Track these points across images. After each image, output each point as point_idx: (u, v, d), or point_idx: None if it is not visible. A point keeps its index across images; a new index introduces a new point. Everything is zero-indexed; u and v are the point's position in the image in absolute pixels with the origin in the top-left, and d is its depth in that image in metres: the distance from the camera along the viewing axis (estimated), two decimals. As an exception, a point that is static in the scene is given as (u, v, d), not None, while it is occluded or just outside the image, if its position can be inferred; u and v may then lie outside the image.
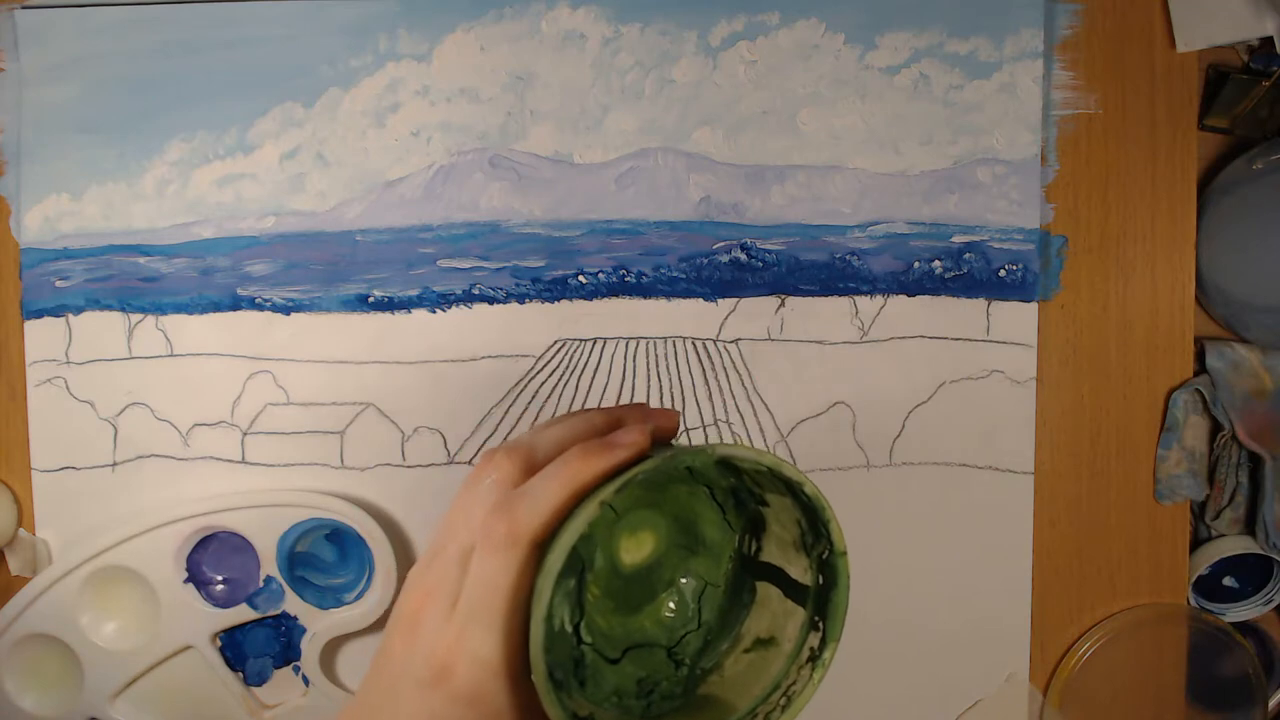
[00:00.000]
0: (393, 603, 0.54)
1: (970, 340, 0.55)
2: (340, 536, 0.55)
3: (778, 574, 0.34)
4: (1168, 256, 0.55)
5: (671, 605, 0.35)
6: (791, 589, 0.34)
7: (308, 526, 0.54)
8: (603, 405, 0.55)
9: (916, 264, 0.55)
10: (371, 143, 0.55)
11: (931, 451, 0.55)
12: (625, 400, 0.55)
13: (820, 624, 0.32)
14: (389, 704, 0.30)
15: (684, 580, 0.35)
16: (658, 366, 0.55)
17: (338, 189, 0.55)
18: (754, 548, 0.35)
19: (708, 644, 0.35)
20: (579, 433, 0.32)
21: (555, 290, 0.55)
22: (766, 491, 0.33)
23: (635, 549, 0.34)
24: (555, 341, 0.55)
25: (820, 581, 0.32)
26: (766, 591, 0.34)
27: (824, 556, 0.32)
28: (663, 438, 0.33)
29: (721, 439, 0.55)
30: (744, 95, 0.55)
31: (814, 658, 0.32)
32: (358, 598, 0.55)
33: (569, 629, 0.32)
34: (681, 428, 0.32)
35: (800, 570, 0.33)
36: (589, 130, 0.55)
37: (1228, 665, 0.56)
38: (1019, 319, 0.54)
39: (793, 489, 0.31)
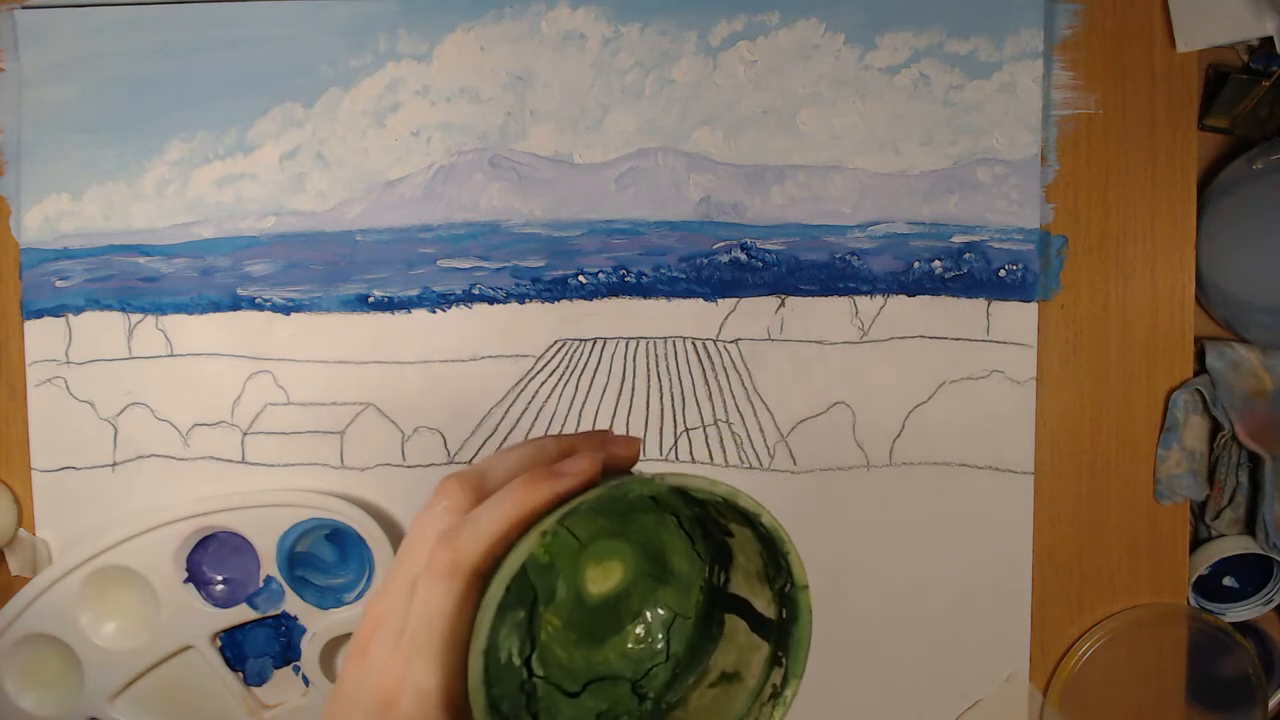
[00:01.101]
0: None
1: (970, 340, 0.55)
2: (340, 536, 0.55)
3: (745, 606, 0.33)
4: (1168, 256, 0.55)
5: (639, 635, 0.34)
6: (757, 622, 0.33)
7: (308, 526, 0.54)
8: (589, 417, 0.55)
9: (916, 264, 0.55)
10: (371, 143, 0.55)
11: (931, 451, 0.55)
12: (624, 401, 0.55)
13: (783, 659, 0.31)
14: None
15: (652, 612, 0.34)
16: (658, 366, 0.55)
17: (338, 189, 0.55)
18: (723, 579, 0.34)
19: (675, 677, 0.34)
20: (531, 460, 0.31)
21: (555, 290, 0.55)
22: (730, 521, 0.32)
23: (602, 579, 0.34)
24: (555, 341, 0.55)
25: (783, 615, 0.31)
26: (734, 624, 0.33)
27: (785, 590, 0.31)
28: (619, 466, 0.32)
29: (721, 439, 0.55)
30: (744, 95, 0.55)
31: (776, 695, 0.31)
32: (358, 598, 0.55)
33: (517, 661, 0.32)
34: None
35: (765, 603, 0.32)
36: (589, 130, 0.55)
37: (1228, 665, 0.56)
38: (1019, 319, 0.54)
39: (750, 520, 0.30)
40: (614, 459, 0.31)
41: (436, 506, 0.31)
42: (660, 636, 0.34)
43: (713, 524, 0.33)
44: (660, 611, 0.34)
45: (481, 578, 0.28)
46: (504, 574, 0.27)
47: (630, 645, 0.34)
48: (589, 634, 0.34)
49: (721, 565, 0.34)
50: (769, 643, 0.32)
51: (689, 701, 0.33)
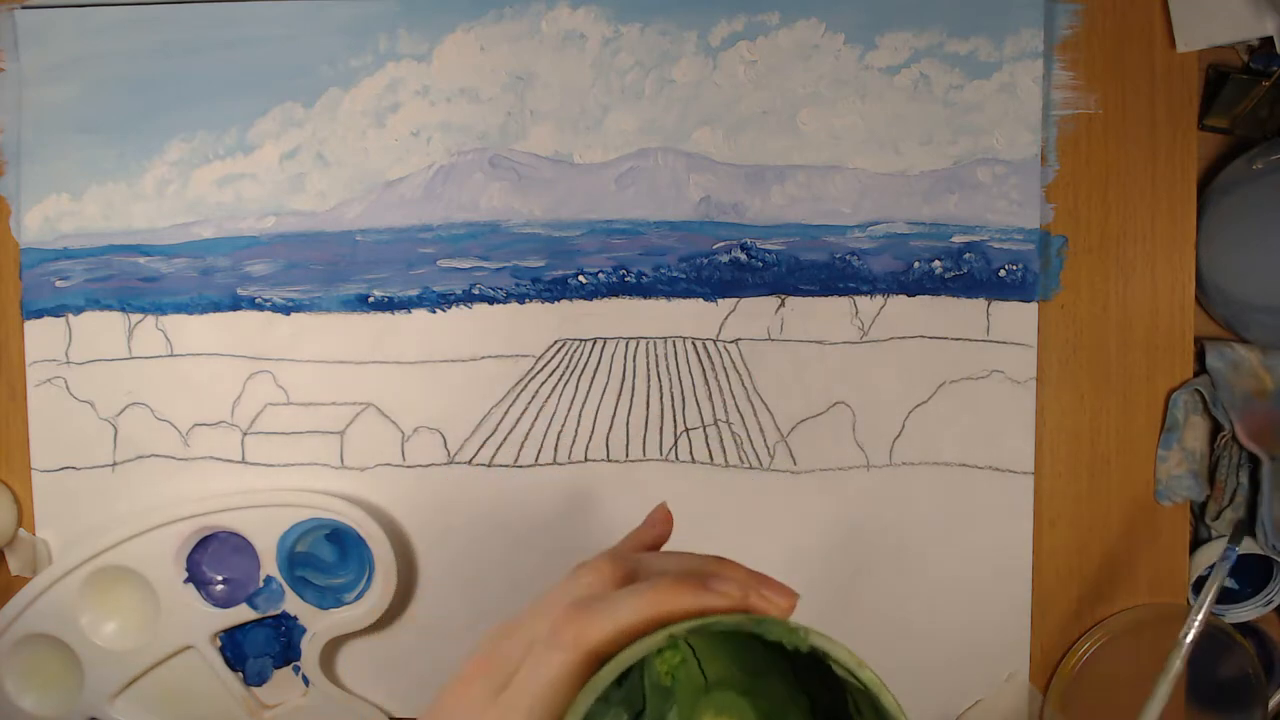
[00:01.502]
0: (393, 603, 0.54)
1: (970, 340, 0.55)
2: (340, 536, 0.55)
3: None
4: (1168, 256, 0.55)
5: None
6: None
7: (308, 526, 0.54)
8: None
9: (916, 264, 0.55)
10: (371, 143, 0.55)
11: (931, 451, 0.55)
12: (624, 401, 0.55)
13: None
14: None
15: None
16: (658, 366, 0.55)
17: (338, 189, 0.55)
18: None
19: None
20: (690, 568, 0.31)
21: (555, 290, 0.55)
22: (863, 717, 0.30)
23: (714, 713, 0.32)
24: (555, 341, 0.55)
25: None
26: None
27: None
28: (765, 608, 0.31)
29: (721, 439, 0.55)
30: (744, 95, 0.55)
31: None
32: (358, 598, 0.55)
33: None
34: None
35: None
36: (589, 130, 0.55)
37: (1228, 665, 0.56)
38: (1019, 319, 0.54)
39: (870, 697, 0.27)
40: (764, 600, 0.30)
41: (583, 579, 0.31)
42: None
43: (845, 715, 0.31)
44: None
45: (598, 660, 0.28)
46: (620, 661, 0.27)
47: None
48: None
49: None
50: None
51: None
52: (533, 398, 0.55)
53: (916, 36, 0.54)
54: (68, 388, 0.56)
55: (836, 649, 0.27)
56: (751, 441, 0.55)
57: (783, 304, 0.55)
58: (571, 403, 0.55)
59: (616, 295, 0.55)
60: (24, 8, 0.55)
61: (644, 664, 0.29)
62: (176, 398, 0.56)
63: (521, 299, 0.55)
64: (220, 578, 0.56)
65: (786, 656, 0.31)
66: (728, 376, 0.55)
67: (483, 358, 0.55)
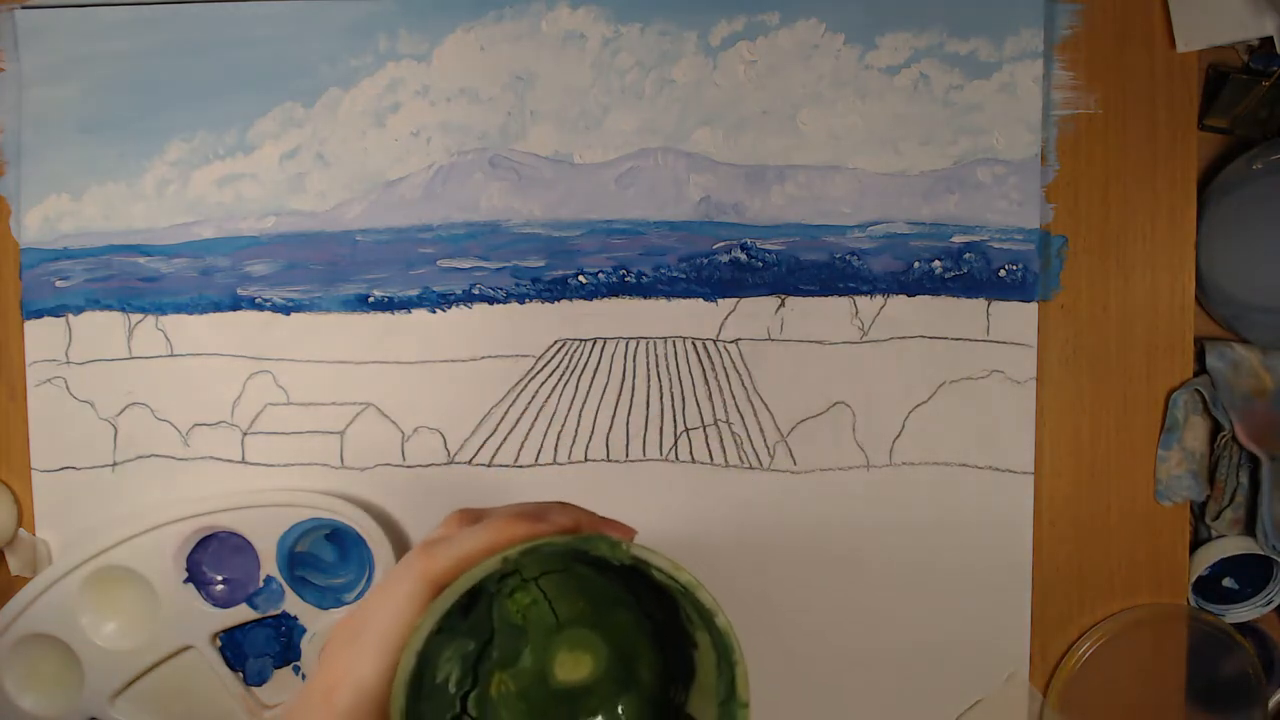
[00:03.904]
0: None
1: (970, 340, 0.55)
2: (340, 536, 0.55)
3: None
4: (1168, 256, 0.55)
5: None
6: None
7: (308, 526, 0.54)
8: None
9: (916, 264, 0.55)
10: (371, 143, 0.55)
11: (931, 451, 0.55)
12: (624, 401, 0.55)
13: None
14: (300, 713, 0.31)
15: (611, 713, 0.34)
16: (658, 366, 0.55)
17: (338, 189, 0.55)
18: (682, 698, 0.34)
19: None
20: (524, 508, 0.33)
21: (555, 290, 0.55)
22: (696, 629, 0.32)
23: (571, 667, 0.34)
24: (555, 341, 0.55)
25: None
26: None
27: (725, 704, 0.30)
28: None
29: (721, 439, 0.55)
30: (744, 95, 0.55)
31: None
32: (358, 598, 0.55)
33: (453, 690, 0.32)
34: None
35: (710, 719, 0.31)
36: (589, 130, 0.55)
37: (1228, 665, 0.56)
38: (1019, 319, 0.54)
39: (706, 619, 0.29)
40: (603, 531, 0.33)
41: (435, 531, 0.33)
42: None
43: (683, 634, 0.33)
44: (617, 717, 0.34)
45: (440, 590, 0.30)
46: (457, 585, 0.28)
47: None
48: (541, 713, 0.34)
49: (683, 684, 0.34)
50: None
51: None
52: (533, 398, 0.55)
53: (916, 36, 0.54)
54: (68, 388, 0.56)
55: (654, 557, 0.28)
56: (751, 441, 0.55)
57: (783, 304, 0.55)
58: (571, 403, 0.55)
59: (616, 295, 0.55)
60: (24, 8, 0.55)
61: (493, 601, 0.31)
62: (176, 398, 0.56)
63: (521, 299, 0.55)
64: (220, 578, 0.56)
65: (632, 590, 0.34)
66: (728, 376, 0.55)
67: (483, 358, 0.55)
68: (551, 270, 0.55)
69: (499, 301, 0.55)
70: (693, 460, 0.55)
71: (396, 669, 0.28)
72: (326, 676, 0.30)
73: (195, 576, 0.55)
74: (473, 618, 0.29)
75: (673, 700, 0.34)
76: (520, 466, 0.55)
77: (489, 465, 0.56)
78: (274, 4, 0.55)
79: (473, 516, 0.33)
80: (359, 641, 0.30)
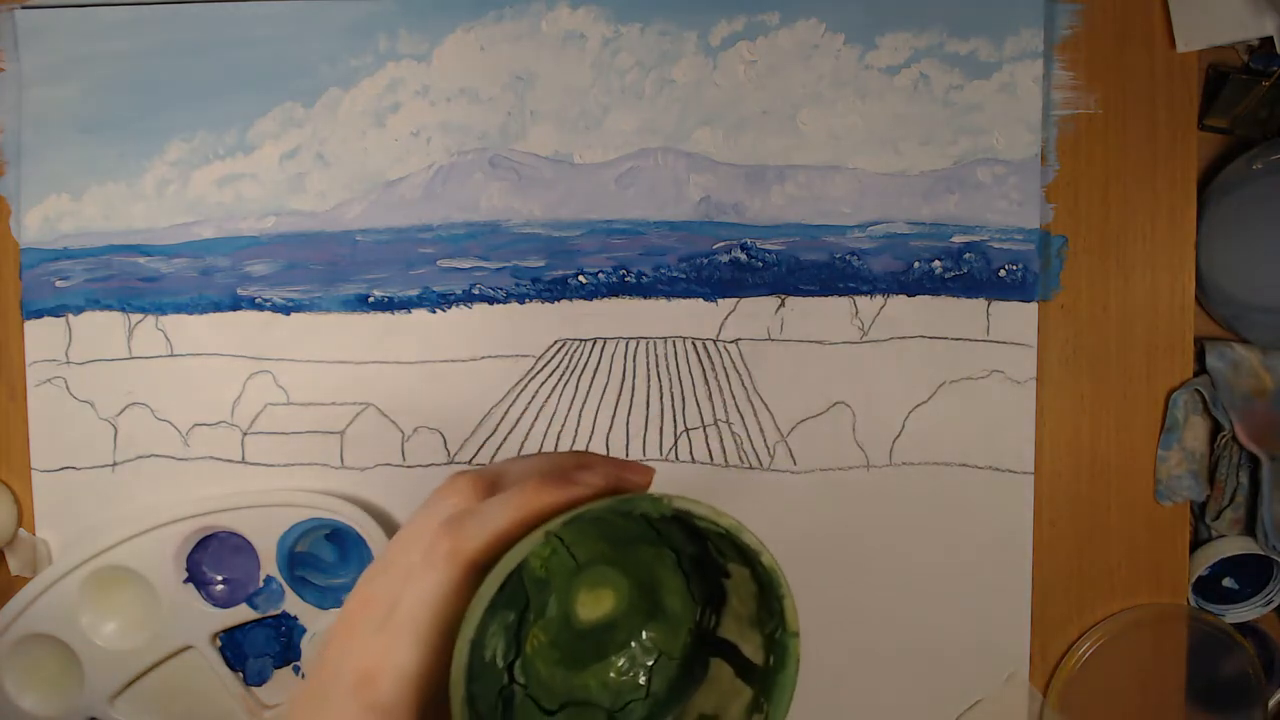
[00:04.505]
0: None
1: (970, 340, 0.55)
2: (340, 536, 0.55)
3: (732, 651, 0.33)
4: (1168, 256, 0.55)
5: (621, 667, 0.34)
6: (743, 668, 0.32)
7: (308, 526, 0.54)
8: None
9: (916, 264, 0.55)
10: (371, 143, 0.55)
11: (931, 451, 0.55)
12: (624, 401, 0.55)
13: (765, 706, 0.30)
14: (316, 710, 0.30)
15: (638, 646, 0.34)
16: (658, 366, 0.55)
17: (338, 189, 0.55)
18: (713, 622, 0.34)
19: (651, 715, 0.33)
20: (545, 468, 0.32)
21: (555, 290, 0.55)
22: (729, 560, 0.32)
23: (593, 605, 0.33)
24: (555, 341, 0.55)
25: (770, 662, 0.31)
26: (719, 669, 0.33)
27: (775, 635, 0.30)
28: (630, 490, 0.32)
29: (721, 439, 0.55)
30: (744, 95, 0.55)
31: None
32: (358, 598, 0.55)
33: (500, 664, 0.32)
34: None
35: (753, 648, 0.32)
36: (589, 130, 0.55)
37: (1228, 665, 0.56)
38: (1019, 319, 0.54)
39: (749, 559, 0.30)
40: (626, 482, 0.31)
41: (444, 499, 0.31)
42: (643, 673, 0.34)
43: (711, 564, 0.33)
44: (646, 647, 0.34)
45: (479, 571, 0.28)
46: (502, 568, 0.27)
47: (611, 675, 0.34)
48: (572, 656, 0.33)
49: (714, 608, 0.34)
50: (752, 688, 0.31)
51: None
52: (533, 398, 0.55)
53: (916, 36, 0.54)
54: (68, 388, 0.56)
55: (696, 507, 0.28)
56: (751, 441, 0.55)
57: (783, 304, 0.55)
58: (571, 403, 0.55)
59: (616, 295, 0.55)
60: (24, 8, 0.55)
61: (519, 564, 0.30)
62: (176, 398, 0.56)
63: (521, 299, 0.55)
64: (220, 578, 0.56)
65: (649, 521, 0.33)
66: (728, 376, 0.55)
67: (483, 358, 0.55)
68: (551, 270, 0.55)
69: (499, 301, 0.55)
70: (693, 460, 0.55)
71: (451, 658, 0.27)
72: (356, 667, 0.29)
73: (195, 576, 0.55)
74: (507, 589, 0.28)
75: (703, 625, 0.34)
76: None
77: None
78: (274, 4, 0.55)
79: (487, 481, 0.31)
80: (390, 629, 0.29)
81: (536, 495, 0.29)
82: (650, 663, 0.34)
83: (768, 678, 0.31)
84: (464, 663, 0.27)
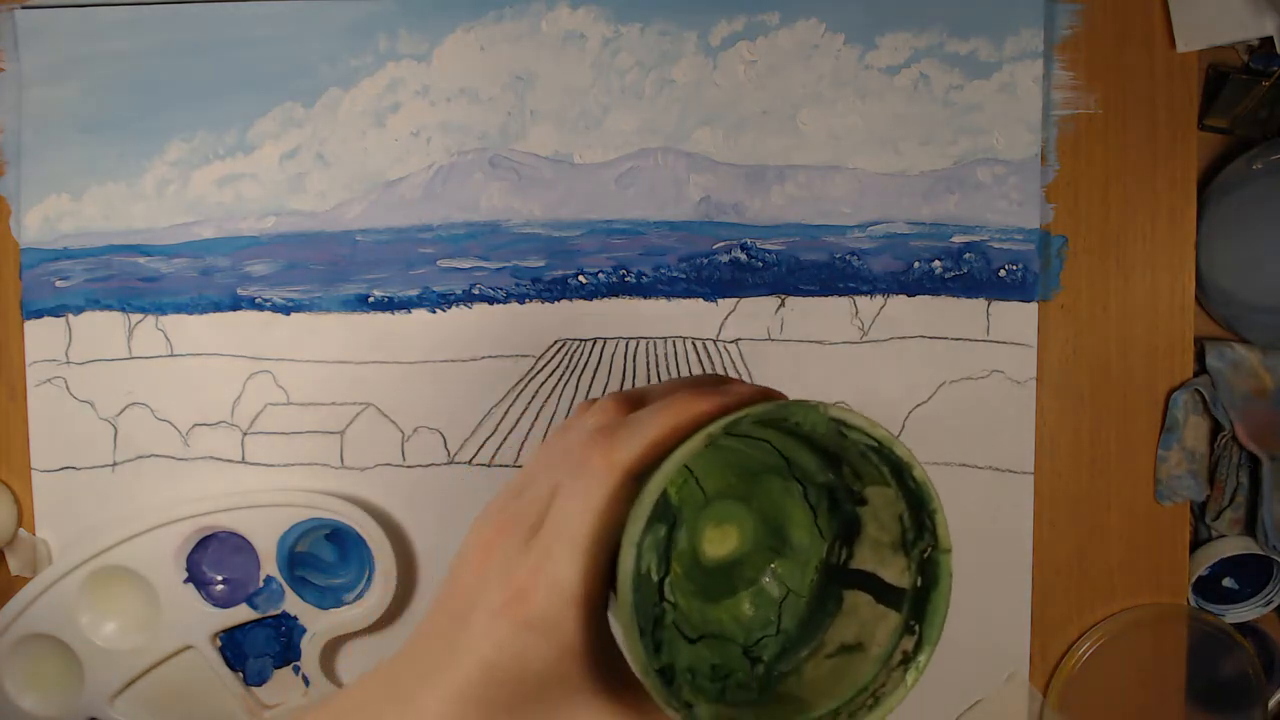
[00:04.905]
0: (393, 603, 0.54)
1: (970, 340, 0.55)
2: (340, 536, 0.55)
3: (869, 580, 0.32)
4: (1168, 256, 0.55)
5: (750, 606, 0.34)
6: (885, 593, 0.32)
7: (308, 526, 0.54)
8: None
9: (916, 264, 0.55)
10: (371, 143, 0.55)
11: (931, 451, 0.55)
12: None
13: (915, 627, 0.31)
14: (453, 634, 0.29)
15: (766, 581, 0.34)
16: (658, 366, 0.55)
17: (338, 189, 0.55)
18: (844, 556, 0.33)
19: (785, 650, 0.33)
20: (690, 383, 0.31)
21: (555, 290, 0.55)
22: (867, 485, 0.32)
23: (719, 542, 0.33)
24: (555, 341, 0.55)
25: (919, 583, 0.31)
26: (855, 599, 0.33)
27: (925, 554, 0.30)
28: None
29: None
30: (744, 95, 0.55)
31: (907, 660, 0.31)
32: (358, 598, 0.55)
33: (654, 579, 0.31)
34: None
35: (896, 572, 0.31)
36: (589, 130, 0.55)
37: (1228, 665, 0.56)
38: (1019, 319, 0.54)
39: (900, 473, 0.29)
40: (766, 395, 0.31)
41: (586, 418, 0.30)
42: (772, 610, 0.34)
43: (844, 492, 0.33)
44: (773, 584, 0.34)
45: (635, 480, 0.28)
46: (667, 469, 0.27)
47: (743, 610, 0.34)
48: (704, 593, 0.33)
49: (844, 542, 0.33)
50: (898, 611, 0.31)
51: (803, 671, 0.32)
52: (533, 398, 0.55)
53: (916, 36, 0.54)
54: (68, 388, 0.56)
55: (852, 416, 0.28)
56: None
57: (783, 304, 0.55)
58: (571, 403, 0.55)
59: (616, 295, 0.55)
60: (24, 8, 0.55)
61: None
62: (176, 398, 0.56)
63: (521, 299, 0.55)
64: (220, 578, 0.56)
65: (779, 451, 0.33)
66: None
67: (483, 358, 0.55)
68: (551, 270, 0.55)
69: (499, 301, 0.55)
70: (693, 460, 0.55)
71: (606, 572, 0.27)
72: (504, 584, 0.28)
73: (195, 576, 0.55)
74: (659, 504, 0.27)
75: (832, 558, 0.34)
76: (520, 467, 0.55)
77: (489, 465, 0.56)
78: (274, 4, 0.55)
79: (632, 399, 0.31)
80: (541, 544, 0.28)
81: (691, 402, 0.28)
82: (779, 598, 0.34)
83: (918, 598, 0.31)
84: (631, 566, 0.26)
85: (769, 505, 0.34)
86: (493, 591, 0.28)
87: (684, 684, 0.30)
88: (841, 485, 0.33)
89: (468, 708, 0.28)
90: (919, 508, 0.30)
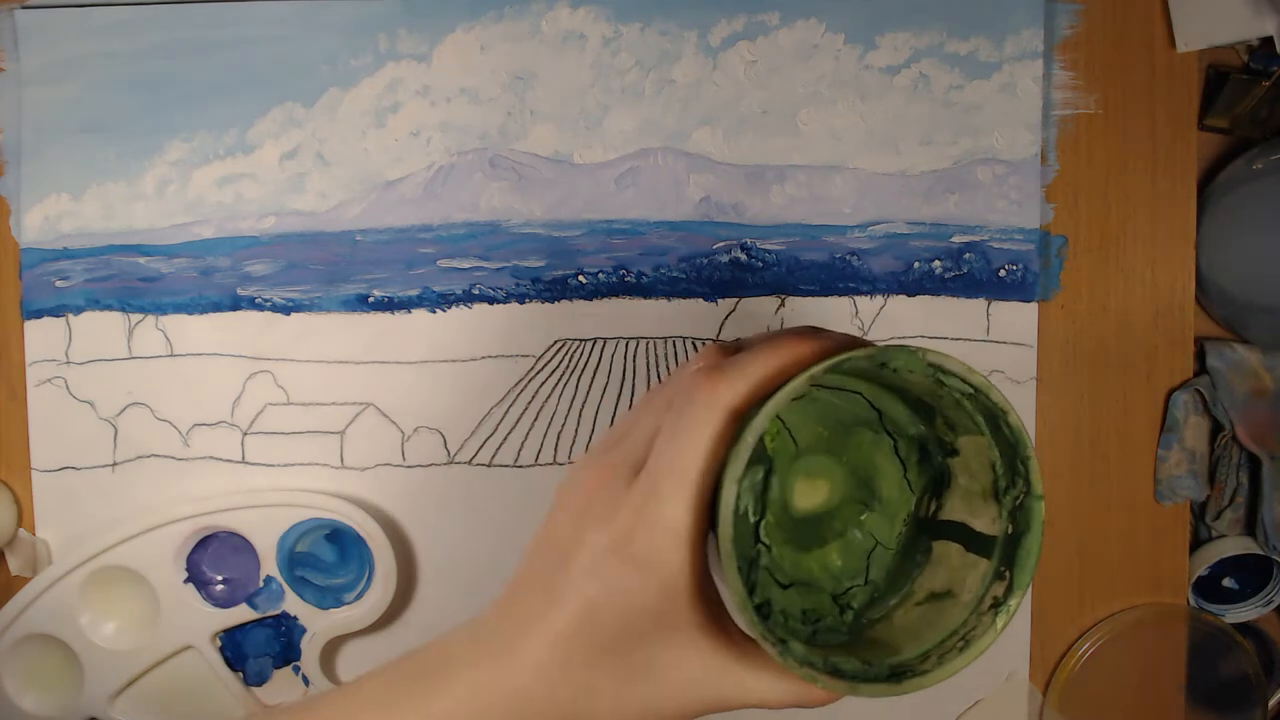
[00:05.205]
0: (393, 602, 0.54)
1: (970, 340, 0.55)
2: (340, 536, 0.55)
3: (959, 530, 0.33)
4: (1168, 256, 0.55)
5: (838, 557, 0.34)
6: (974, 542, 0.32)
7: (308, 526, 0.54)
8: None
9: (916, 264, 0.55)
10: (371, 143, 0.55)
11: (931, 451, 0.55)
12: (624, 401, 0.55)
13: (1006, 573, 0.31)
14: (551, 580, 0.29)
15: (855, 535, 0.34)
16: (658, 366, 0.55)
17: (338, 189, 0.55)
18: (933, 509, 0.34)
19: (874, 600, 0.34)
20: (804, 330, 0.32)
21: (555, 290, 0.55)
22: (959, 435, 0.32)
23: (809, 494, 0.34)
24: (555, 341, 0.55)
25: (1010, 530, 0.31)
26: (944, 549, 0.33)
27: (1018, 501, 0.31)
28: None
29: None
30: (744, 95, 0.55)
31: (998, 604, 0.31)
32: (358, 598, 0.55)
33: (751, 520, 0.32)
34: None
35: (987, 521, 0.32)
36: (589, 130, 0.55)
37: (1228, 665, 0.56)
38: (1019, 319, 0.54)
39: (995, 421, 0.30)
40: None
41: (690, 365, 0.31)
42: (861, 561, 0.34)
43: (935, 444, 0.33)
44: (862, 535, 0.34)
45: (739, 419, 0.28)
46: (770, 408, 0.27)
47: (832, 558, 0.34)
48: (795, 542, 0.34)
49: (934, 494, 0.34)
50: (987, 558, 0.32)
51: (893, 618, 0.33)
52: (533, 398, 0.55)
53: (916, 36, 0.54)
54: (68, 388, 0.56)
55: (949, 362, 0.28)
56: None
57: (783, 304, 0.55)
58: (571, 403, 0.55)
59: (616, 295, 0.55)
60: (24, 8, 0.55)
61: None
62: (176, 398, 0.56)
63: (521, 299, 0.55)
64: (220, 578, 0.56)
65: (870, 405, 0.33)
66: (728, 376, 0.55)
67: (483, 358, 0.55)
68: (551, 270, 0.55)
69: (499, 301, 0.55)
70: (693, 460, 0.55)
71: (708, 509, 0.27)
72: (608, 526, 0.28)
73: (195, 576, 0.55)
74: (757, 448, 0.28)
75: (920, 511, 0.34)
76: (520, 466, 0.55)
77: (489, 465, 0.56)
78: (273, 4, 0.55)
79: (732, 348, 0.31)
80: (645, 483, 0.28)
81: (794, 345, 0.29)
82: (868, 550, 0.34)
83: (1009, 545, 0.31)
84: (732, 502, 0.27)
85: (859, 459, 0.34)
86: (595, 533, 0.28)
87: (778, 623, 0.30)
88: (933, 436, 0.33)
89: (572, 648, 0.28)
90: (1013, 454, 0.30)
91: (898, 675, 0.30)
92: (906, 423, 0.34)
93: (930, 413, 0.33)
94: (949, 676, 0.31)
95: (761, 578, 0.32)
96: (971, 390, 0.29)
